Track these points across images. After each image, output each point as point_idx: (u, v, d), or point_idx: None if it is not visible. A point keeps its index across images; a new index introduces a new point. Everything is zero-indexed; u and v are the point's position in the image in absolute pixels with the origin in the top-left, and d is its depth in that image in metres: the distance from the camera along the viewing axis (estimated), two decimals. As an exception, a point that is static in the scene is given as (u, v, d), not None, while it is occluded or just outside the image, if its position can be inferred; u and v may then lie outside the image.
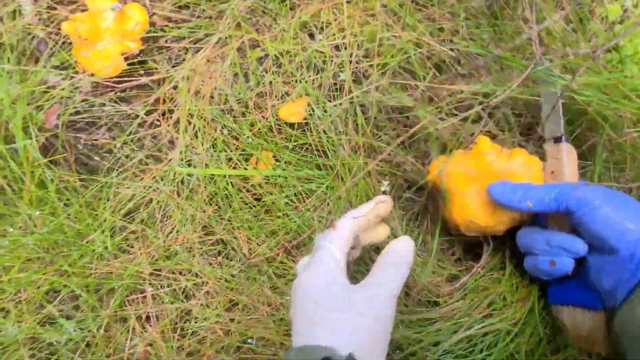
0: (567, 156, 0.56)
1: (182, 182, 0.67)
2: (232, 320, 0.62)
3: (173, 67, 0.72)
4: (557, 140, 0.57)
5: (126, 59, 0.70)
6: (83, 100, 0.69)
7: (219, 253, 0.65)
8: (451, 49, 0.68)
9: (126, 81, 0.71)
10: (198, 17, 0.73)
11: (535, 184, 0.54)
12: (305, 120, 0.67)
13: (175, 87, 0.70)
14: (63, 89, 0.67)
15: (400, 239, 0.46)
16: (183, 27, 0.72)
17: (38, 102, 0.66)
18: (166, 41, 0.74)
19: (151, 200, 0.66)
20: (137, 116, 0.69)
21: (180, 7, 0.74)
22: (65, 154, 0.67)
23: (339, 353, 0.37)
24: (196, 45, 0.72)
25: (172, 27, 0.72)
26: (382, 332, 0.41)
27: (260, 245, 0.63)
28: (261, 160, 0.68)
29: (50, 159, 0.65)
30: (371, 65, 0.69)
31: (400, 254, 0.45)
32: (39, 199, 0.64)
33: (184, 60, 0.73)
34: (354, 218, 0.46)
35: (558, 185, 0.52)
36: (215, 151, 0.67)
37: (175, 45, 0.75)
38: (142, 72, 0.71)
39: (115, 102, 0.71)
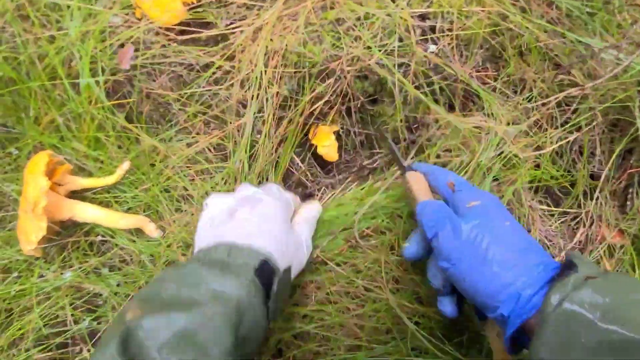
0: (411, 182, 0.54)
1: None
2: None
3: (232, 23, 0.68)
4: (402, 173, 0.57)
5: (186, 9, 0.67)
6: (149, 47, 0.65)
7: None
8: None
9: (185, 32, 0.67)
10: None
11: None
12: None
13: (242, 44, 0.66)
14: (135, 30, 0.63)
15: (311, 202, 0.61)
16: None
17: (108, 42, 0.62)
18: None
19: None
20: (205, 68, 0.66)
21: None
22: (133, 99, 0.63)
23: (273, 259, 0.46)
24: (259, 4, 0.68)
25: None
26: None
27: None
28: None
29: (115, 102, 0.61)
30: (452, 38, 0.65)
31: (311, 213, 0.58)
32: (97, 143, 0.61)
33: (245, 17, 0.69)
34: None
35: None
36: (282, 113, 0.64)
37: (236, 1, 0.71)
38: (201, 24, 0.68)
39: (180, 52, 0.67)
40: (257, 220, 0.48)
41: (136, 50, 0.65)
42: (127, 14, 0.67)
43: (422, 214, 0.48)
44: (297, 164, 0.69)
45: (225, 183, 0.63)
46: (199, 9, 0.68)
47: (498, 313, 0.40)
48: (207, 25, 0.69)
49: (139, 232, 0.62)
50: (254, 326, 0.41)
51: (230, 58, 0.66)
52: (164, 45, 0.66)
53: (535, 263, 0.41)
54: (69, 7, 0.60)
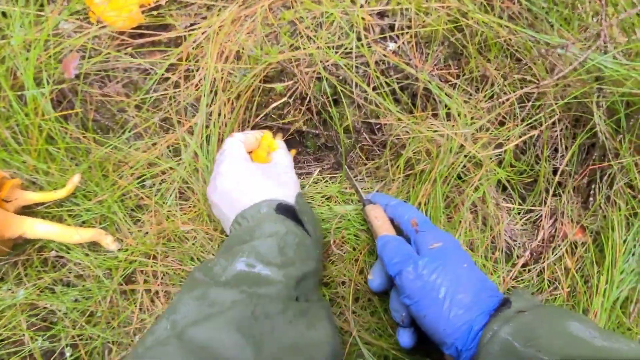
0: (371, 216, 0.58)
1: (201, 147, 0.62)
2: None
3: (192, 25, 0.66)
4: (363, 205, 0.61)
5: (142, 12, 0.65)
6: (100, 53, 0.63)
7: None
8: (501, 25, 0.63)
9: (143, 36, 0.65)
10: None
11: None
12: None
13: (197, 47, 0.65)
14: (79, 38, 0.61)
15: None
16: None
17: (52, 51, 0.60)
18: (187, -4, 0.68)
19: (165, 172, 0.61)
20: (155, 74, 0.64)
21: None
22: (79, 110, 0.61)
23: (283, 200, 0.52)
24: (219, 3, 0.66)
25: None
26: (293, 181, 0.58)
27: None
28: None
29: (61, 113, 0.59)
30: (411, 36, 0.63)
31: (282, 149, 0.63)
32: (47, 155, 0.58)
33: (205, 18, 0.67)
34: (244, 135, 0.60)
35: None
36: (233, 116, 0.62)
37: (197, 1, 0.69)
38: (159, 27, 0.66)
39: (132, 56, 0.65)
40: (229, 193, 0.52)
41: (89, 57, 0.63)
42: (79, 19, 0.65)
43: (384, 250, 0.52)
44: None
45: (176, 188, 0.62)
46: (154, 12, 0.65)
47: (453, 348, 0.44)
48: (166, 27, 0.67)
49: (96, 245, 0.60)
50: (300, 244, 0.48)
51: (188, 61, 0.64)
52: (117, 50, 0.64)
53: (487, 303, 0.45)
54: (5, 14, 0.58)
